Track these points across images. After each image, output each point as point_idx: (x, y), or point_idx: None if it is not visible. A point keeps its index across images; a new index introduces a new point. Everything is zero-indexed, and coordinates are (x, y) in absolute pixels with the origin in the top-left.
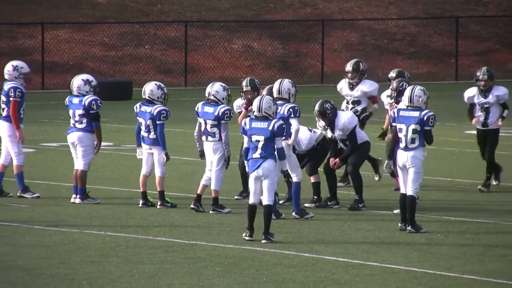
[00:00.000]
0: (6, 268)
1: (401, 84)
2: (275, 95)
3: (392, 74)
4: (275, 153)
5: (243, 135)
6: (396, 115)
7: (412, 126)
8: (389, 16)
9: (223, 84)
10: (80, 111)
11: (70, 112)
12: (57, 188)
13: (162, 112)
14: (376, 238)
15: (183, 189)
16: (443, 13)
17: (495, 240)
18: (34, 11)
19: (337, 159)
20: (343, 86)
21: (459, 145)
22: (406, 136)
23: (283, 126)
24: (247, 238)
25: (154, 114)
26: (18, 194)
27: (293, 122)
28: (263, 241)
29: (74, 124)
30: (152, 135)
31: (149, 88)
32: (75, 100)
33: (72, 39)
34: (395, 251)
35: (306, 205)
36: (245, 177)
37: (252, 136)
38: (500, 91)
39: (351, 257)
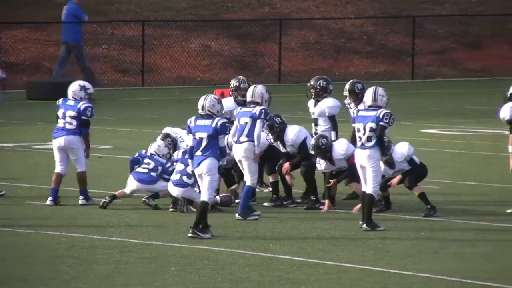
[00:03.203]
0: None
1: None
2: (248, 99)
3: None
4: (218, 152)
5: (189, 134)
6: (355, 115)
7: (369, 124)
8: (347, 16)
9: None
10: (73, 113)
11: (60, 112)
12: (13, 188)
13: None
14: (332, 237)
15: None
16: (400, 12)
17: (449, 238)
18: None
19: (287, 164)
20: None
21: (415, 143)
22: (363, 134)
23: (227, 124)
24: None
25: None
26: None
27: (257, 123)
28: (189, 234)
29: (63, 126)
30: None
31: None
32: (70, 102)
33: (29, 38)
34: (350, 249)
35: (265, 204)
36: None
37: (196, 134)
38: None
39: (306, 256)
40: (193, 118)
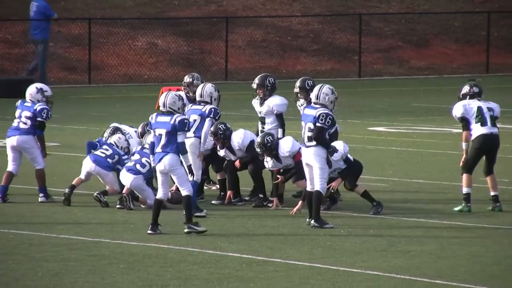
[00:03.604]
0: None
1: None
2: (197, 98)
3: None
4: (176, 148)
5: (151, 130)
6: (302, 113)
7: (308, 125)
8: (293, 13)
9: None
10: (28, 114)
11: (17, 113)
12: None
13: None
14: (280, 234)
15: (92, 187)
16: (347, 10)
17: (397, 235)
18: None
19: (237, 162)
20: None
21: (362, 141)
22: (304, 134)
23: (185, 121)
24: (149, 232)
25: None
26: None
27: (206, 121)
28: (185, 231)
29: (17, 125)
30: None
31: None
32: (27, 104)
33: None
34: (299, 247)
35: (213, 202)
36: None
37: (156, 130)
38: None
39: (255, 253)
40: (154, 114)
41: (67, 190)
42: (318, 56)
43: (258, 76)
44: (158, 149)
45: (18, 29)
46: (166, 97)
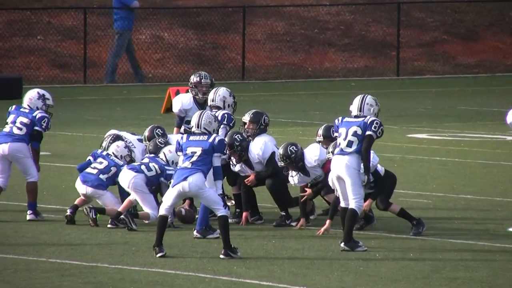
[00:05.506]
0: None
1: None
2: (209, 103)
3: None
4: (208, 169)
5: (179, 153)
6: (340, 122)
7: (353, 128)
8: (321, 2)
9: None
10: (25, 120)
11: (10, 118)
12: None
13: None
14: (305, 258)
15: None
16: None
17: (442, 260)
18: None
19: (252, 177)
20: None
21: (401, 150)
22: (345, 139)
23: (225, 143)
24: (159, 255)
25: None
26: None
27: (221, 129)
28: (221, 256)
29: (10, 131)
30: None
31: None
32: (24, 109)
33: None
34: (327, 273)
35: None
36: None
37: (188, 148)
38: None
39: (276, 280)
40: (185, 135)
41: (68, 212)
42: (350, 52)
43: (253, 111)
44: (186, 164)
45: (2, 20)
46: (200, 118)
